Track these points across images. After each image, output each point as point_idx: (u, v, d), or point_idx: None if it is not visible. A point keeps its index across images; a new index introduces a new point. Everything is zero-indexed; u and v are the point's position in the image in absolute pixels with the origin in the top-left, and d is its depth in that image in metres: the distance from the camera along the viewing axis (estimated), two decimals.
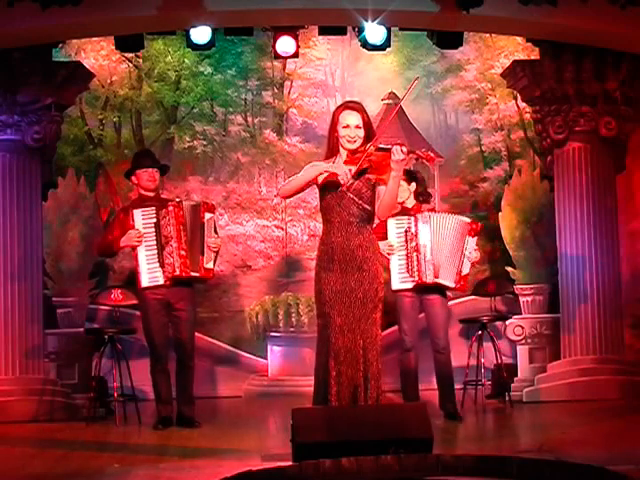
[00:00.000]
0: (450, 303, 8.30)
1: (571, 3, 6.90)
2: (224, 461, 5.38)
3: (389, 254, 6.72)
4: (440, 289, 6.88)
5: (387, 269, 6.60)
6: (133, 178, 6.92)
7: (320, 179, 5.27)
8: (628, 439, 5.96)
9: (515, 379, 7.95)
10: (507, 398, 7.60)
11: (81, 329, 7.76)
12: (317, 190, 5.40)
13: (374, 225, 5.53)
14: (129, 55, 8.49)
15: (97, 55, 8.49)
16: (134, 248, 6.72)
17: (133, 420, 7.11)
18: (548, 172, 8.26)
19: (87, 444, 6.34)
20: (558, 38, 7.64)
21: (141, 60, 8.65)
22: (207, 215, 6.78)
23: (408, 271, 6.78)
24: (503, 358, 7.80)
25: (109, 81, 8.62)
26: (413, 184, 6.96)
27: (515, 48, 8.55)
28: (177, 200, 6.90)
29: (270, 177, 8.80)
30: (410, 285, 6.80)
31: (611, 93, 7.90)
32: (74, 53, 8.31)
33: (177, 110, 8.73)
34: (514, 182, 8.37)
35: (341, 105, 5.46)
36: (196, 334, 7.09)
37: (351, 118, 5.25)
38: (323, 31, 7.77)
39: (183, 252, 6.65)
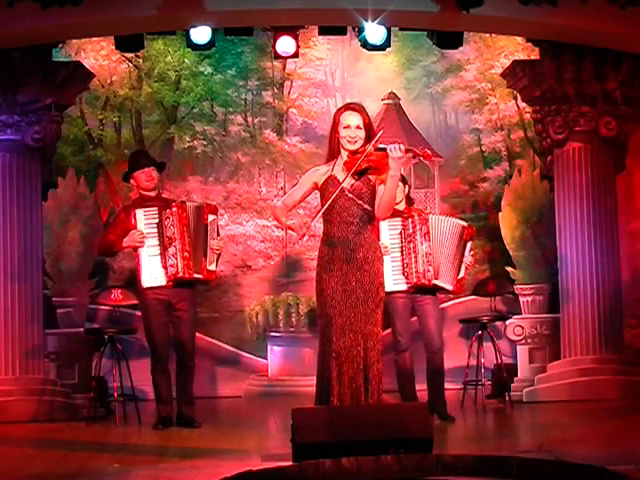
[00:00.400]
0: (450, 303, 8.36)
1: (571, 3, 6.90)
2: (224, 461, 5.38)
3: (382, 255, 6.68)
4: (432, 290, 6.86)
5: None
6: (132, 181, 6.91)
7: (287, 223, 5.35)
8: (628, 439, 5.96)
9: (515, 379, 7.95)
10: (507, 398, 7.60)
11: (81, 329, 7.76)
12: (317, 191, 5.41)
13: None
14: (129, 55, 8.50)
15: (97, 55, 8.50)
16: (136, 248, 6.72)
17: (133, 420, 7.11)
18: (548, 172, 8.26)
19: (87, 444, 6.34)
20: (558, 38, 7.64)
21: (141, 60, 8.65)
22: (210, 217, 6.78)
23: (404, 273, 6.75)
24: (503, 358, 7.80)
25: (109, 81, 8.62)
26: (406, 187, 6.95)
27: (515, 48, 8.56)
28: (180, 201, 6.89)
29: (270, 177, 8.80)
30: (404, 287, 6.75)
31: (611, 93, 7.90)
32: (74, 53, 8.31)
33: (177, 110, 8.74)
34: (514, 182, 8.37)
35: (342, 107, 5.46)
36: (196, 334, 7.09)
37: (352, 119, 5.25)
38: (323, 31, 7.77)
39: (186, 253, 6.64)
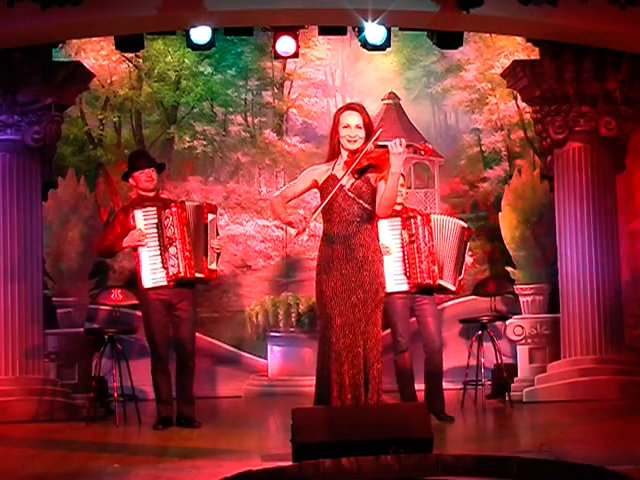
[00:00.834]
0: (450, 303, 8.36)
1: (571, 3, 6.90)
2: (224, 461, 5.38)
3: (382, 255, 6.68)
4: (430, 291, 6.86)
5: None
6: (131, 180, 6.91)
7: (286, 219, 5.31)
8: (628, 439, 5.95)
9: (515, 379, 7.95)
10: (507, 398, 7.60)
11: (81, 329, 7.76)
12: (317, 190, 5.41)
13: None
14: (129, 55, 8.50)
15: (97, 55, 8.50)
16: (135, 248, 6.71)
17: (133, 420, 7.11)
18: (548, 172, 8.26)
19: (87, 444, 6.34)
20: (558, 38, 7.64)
21: (141, 60, 8.65)
22: (210, 216, 6.78)
23: (406, 273, 6.73)
24: (503, 358, 7.80)
25: (109, 81, 8.63)
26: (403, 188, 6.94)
27: (515, 48, 8.56)
28: (180, 201, 6.89)
29: (270, 177, 8.80)
30: (405, 287, 6.73)
31: (611, 93, 7.90)
32: (74, 53, 8.31)
33: (177, 110, 8.74)
34: (514, 182, 8.37)
35: (342, 107, 5.47)
36: (196, 334, 7.09)
37: (352, 118, 5.25)
38: (323, 31, 7.77)
39: (187, 253, 6.64)
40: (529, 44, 8.13)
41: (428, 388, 6.85)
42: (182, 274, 6.65)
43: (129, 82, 8.67)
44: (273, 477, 4.23)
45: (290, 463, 4.64)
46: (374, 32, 7.35)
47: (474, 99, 8.84)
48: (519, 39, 8.38)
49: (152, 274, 6.68)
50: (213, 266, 6.79)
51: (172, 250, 6.64)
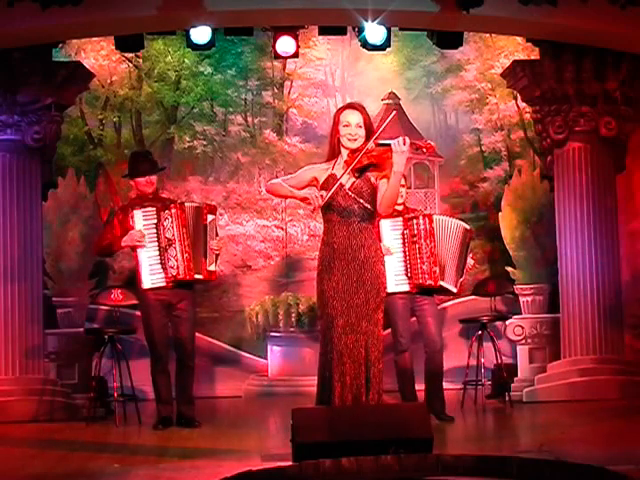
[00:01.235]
0: (450, 303, 8.36)
1: (571, 3, 6.90)
2: (224, 461, 5.38)
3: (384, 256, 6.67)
4: (431, 291, 6.85)
5: None
6: (130, 181, 6.91)
7: (301, 194, 5.25)
8: (628, 439, 5.96)
9: (515, 379, 7.95)
10: (507, 398, 7.60)
11: (81, 329, 7.76)
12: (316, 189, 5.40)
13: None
14: (129, 55, 8.50)
15: (97, 55, 8.50)
16: (134, 249, 6.71)
17: (133, 420, 7.11)
18: (548, 172, 8.26)
19: (87, 444, 6.34)
20: (558, 38, 7.64)
21: (141, 60, 8.65)
22: (209, 217, 6.77)
23: (407, 273, 6.73)
24: (503, 358, 7.80)
25: (109, 81, 8.63)
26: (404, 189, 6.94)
27: (515, 48, 8.56)
28: (179, 202, 6.88)
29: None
30: (407, 287, 6.73)
31: (611, 93, 7.90)
32: (74, 53, 8.31)
33: (177, 110, 8.74)
34: (514, 182, 8.37)
35: (342, 106, 5.47)
36: (196, 334, 7.09)
37: (352, 117, 5.25)
38: (323, 31, 7.77)
39: (187, 255, 6.64)
40: (529, 44, 8.13)
41: (428, 388, 6.84)
42: (181, 275, 6.64)
43: (129, 82, 8.67)
44: (273, 477, 4.23)
45: (290, 463, 4.64)
46: (374, 32, 7.35)
47: (474, 99, 8.84)
48: (519, 39, 8.38)
49: (151, 275, 6.68)
50: (212, 267, 6.79)
51: (171, 251, 6.64)
